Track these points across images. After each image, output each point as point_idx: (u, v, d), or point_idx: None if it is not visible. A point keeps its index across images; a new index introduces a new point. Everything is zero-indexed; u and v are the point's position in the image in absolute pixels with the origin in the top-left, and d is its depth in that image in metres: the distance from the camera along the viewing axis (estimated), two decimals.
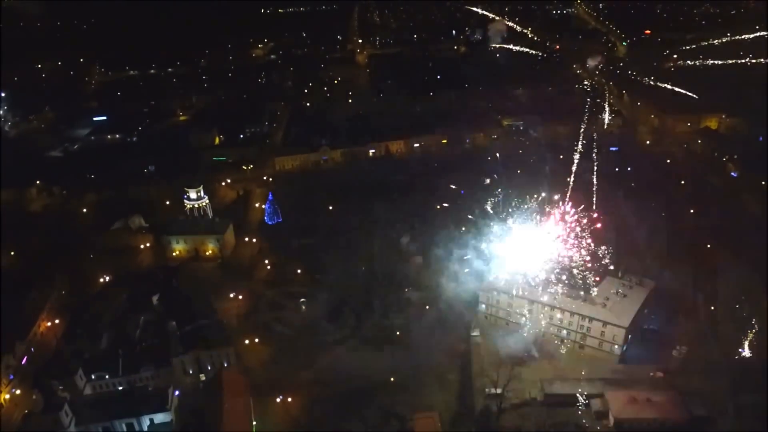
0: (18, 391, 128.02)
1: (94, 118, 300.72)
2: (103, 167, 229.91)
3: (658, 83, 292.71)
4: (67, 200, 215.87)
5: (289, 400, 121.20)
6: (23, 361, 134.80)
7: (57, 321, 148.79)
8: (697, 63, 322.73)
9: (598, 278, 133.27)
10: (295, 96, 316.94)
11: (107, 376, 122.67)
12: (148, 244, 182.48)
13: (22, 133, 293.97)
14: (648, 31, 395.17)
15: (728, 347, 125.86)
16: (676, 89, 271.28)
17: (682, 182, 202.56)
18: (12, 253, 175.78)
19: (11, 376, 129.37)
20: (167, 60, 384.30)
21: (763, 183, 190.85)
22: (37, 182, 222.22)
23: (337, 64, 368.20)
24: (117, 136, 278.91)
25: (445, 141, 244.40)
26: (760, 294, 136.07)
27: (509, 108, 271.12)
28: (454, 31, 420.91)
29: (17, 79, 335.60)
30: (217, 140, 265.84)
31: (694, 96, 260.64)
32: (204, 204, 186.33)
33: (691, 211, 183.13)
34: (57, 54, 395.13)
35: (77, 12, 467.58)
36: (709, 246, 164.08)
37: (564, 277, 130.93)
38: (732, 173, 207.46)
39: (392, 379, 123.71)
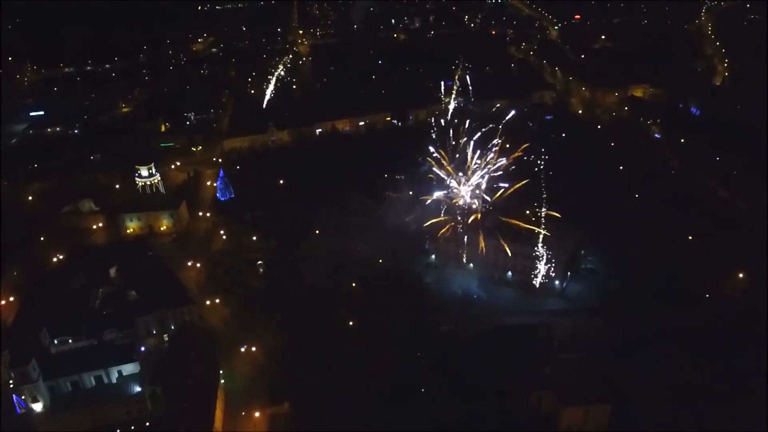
0: None
1: (31, 114, 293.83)
2: (46, 158, 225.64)
3: (589, 60, 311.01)
4: (10, 190, 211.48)
5: (253, 349, 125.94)
6: None
7: (11, 299, 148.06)
8: (624, 42, 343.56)
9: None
10: (240, 85, 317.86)
11: (70, 340, 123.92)
12: (100, 224, 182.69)
13: None
14: (578, 16, 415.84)
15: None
16: (605, 64, 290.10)
17: (612, 143, 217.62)
18: None
19: None
20: (103, 57, 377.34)
21: (682, 141, 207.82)
22: None
23: (279, 54, 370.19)
24: (57, 129, 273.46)
25: (388, 118, 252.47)
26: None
27: (449, 87, 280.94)
28: (393, 20, 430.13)
29: None
30: (163, 128, 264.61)
31: (621, 70, 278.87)
32: (156, 181, 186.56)
33: (620, 167, 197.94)
34: None
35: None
36: (637, 196, 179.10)
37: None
38: (656, 135, 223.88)
39: (351, 323, 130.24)
